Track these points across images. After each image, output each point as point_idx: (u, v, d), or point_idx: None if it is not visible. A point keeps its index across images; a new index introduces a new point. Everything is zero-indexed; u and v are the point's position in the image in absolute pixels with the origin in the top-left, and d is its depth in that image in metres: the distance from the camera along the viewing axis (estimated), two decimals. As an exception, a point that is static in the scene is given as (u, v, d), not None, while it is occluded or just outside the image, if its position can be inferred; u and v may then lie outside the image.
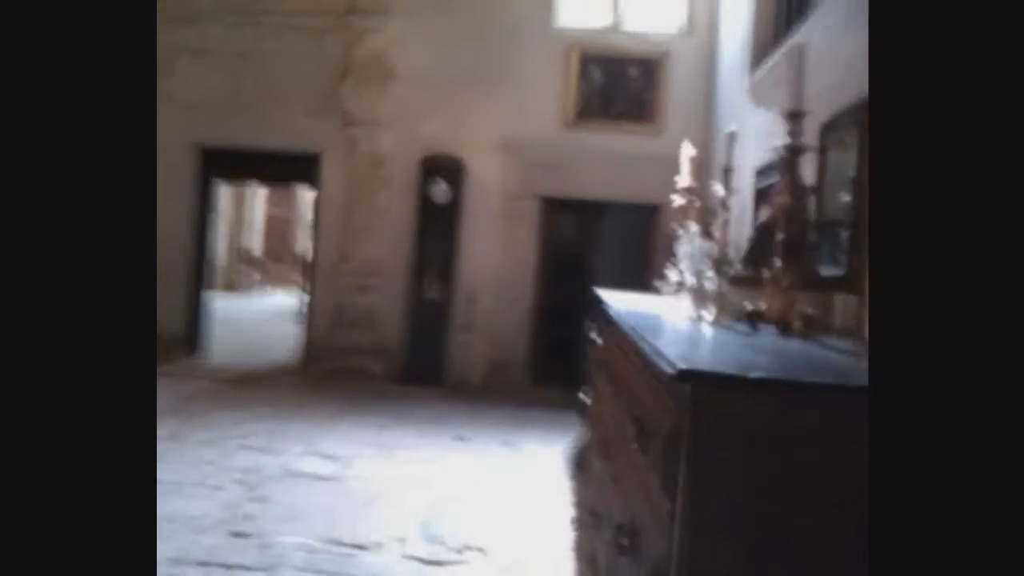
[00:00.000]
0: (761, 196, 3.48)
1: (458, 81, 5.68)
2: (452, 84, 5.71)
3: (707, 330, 2.20)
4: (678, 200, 4.38)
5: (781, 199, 2.29)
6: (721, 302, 2.48)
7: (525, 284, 5.84)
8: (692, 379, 1.03)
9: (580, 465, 3.75)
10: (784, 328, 2.20)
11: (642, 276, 5.91)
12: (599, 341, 3.28)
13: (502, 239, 5.78)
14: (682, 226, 3.35)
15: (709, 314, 2.45)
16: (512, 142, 5.71)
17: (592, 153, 5.66)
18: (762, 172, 3.53)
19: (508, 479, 3.61)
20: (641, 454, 1.50)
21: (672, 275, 3.25)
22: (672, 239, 6.01)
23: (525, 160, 5.72)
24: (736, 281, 2.53)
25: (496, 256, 5.79)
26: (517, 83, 5.72)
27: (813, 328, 2.27)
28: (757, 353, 1.73)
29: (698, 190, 4.25)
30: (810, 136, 3.04)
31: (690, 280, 2.80)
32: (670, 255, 5.81)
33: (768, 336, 2.09)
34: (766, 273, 2.27)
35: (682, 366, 1.05)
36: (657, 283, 4.30)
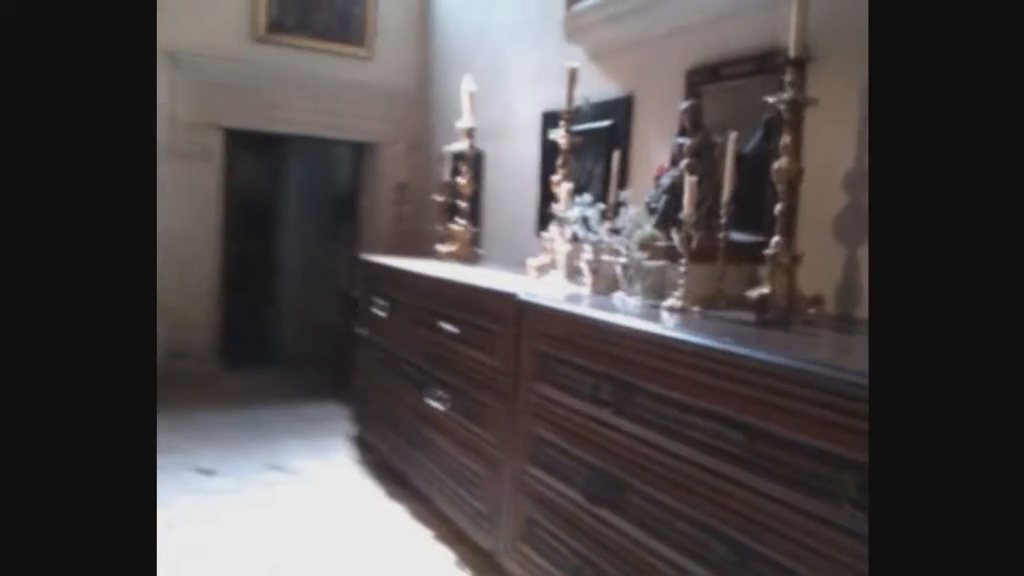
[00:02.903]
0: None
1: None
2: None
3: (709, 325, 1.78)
4: (456, 146, 3.74)
5: (777, 162, 1.96)
6: (689, 286, 2.05)
7: (208, 242, 4.50)
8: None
9: (394, 477, 2.98)
10: (786, 316, 1.91)
11: (349, 228, 5.11)
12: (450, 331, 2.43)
13: (175, 183, 4.30)
14: (556, 181, 2.76)
15: (672, 302, 2.01)
16: (184, 55, 4.21)
17: (288, 76, 4.53)
18: (552, 117, 3.11)
19: (318, 522, 2.62)
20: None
21: (557, 246, 2.64)
22: (405, 186, 5.25)
23: (203, 80, 4.30)
24: (698, 258, 2.11)
25: (167, 205, 4.30)
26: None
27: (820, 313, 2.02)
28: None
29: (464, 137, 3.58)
30: (670, 81, 2.74)
31: (619, 257, 2.27)
32: (401, 205, 5.10)
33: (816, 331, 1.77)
34: (768, 245, 1.92)
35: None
36: (439, 247, 3.62)
